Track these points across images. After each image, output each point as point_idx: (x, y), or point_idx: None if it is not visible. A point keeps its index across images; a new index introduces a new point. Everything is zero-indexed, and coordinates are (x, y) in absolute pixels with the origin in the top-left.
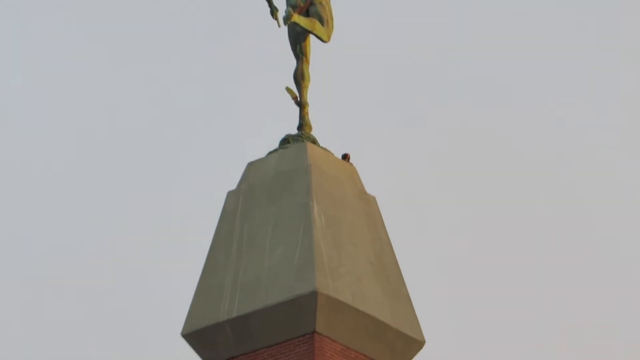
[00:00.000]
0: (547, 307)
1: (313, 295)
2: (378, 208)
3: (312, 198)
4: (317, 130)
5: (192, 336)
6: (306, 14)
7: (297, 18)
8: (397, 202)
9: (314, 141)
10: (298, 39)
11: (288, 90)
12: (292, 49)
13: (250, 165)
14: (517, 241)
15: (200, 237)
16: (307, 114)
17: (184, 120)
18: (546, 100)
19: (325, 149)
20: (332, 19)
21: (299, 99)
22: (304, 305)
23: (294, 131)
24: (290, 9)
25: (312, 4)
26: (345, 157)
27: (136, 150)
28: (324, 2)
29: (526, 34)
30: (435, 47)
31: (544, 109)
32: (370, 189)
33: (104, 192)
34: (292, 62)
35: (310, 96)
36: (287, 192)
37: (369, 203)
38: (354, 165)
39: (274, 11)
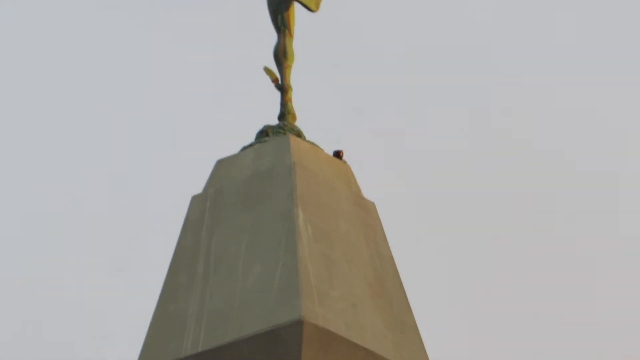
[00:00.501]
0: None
1: (298, 325)
2: (378, 216)
3: (297, 204)
4: (302, 121)
5: None
6: None
7: None
8: (401, 208)
9: (299, 134)
10: (279, 8)
11: (266, 70)
12: (272, 20)
13: (220, 163)
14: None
15: (154, 253)
16: (290, 100)
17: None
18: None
19: (312, 144)
20: None
21: (280, 81)
22: (287, 338)
23: (274, 121)
24: None
25: None
26: (338, 153)
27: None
28: None
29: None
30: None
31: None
32: (368, 193)
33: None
34: (272, 37)
35: (295, 78)
36: (265, 197)
37: (367, 210)
38: (349, 163)
39: None
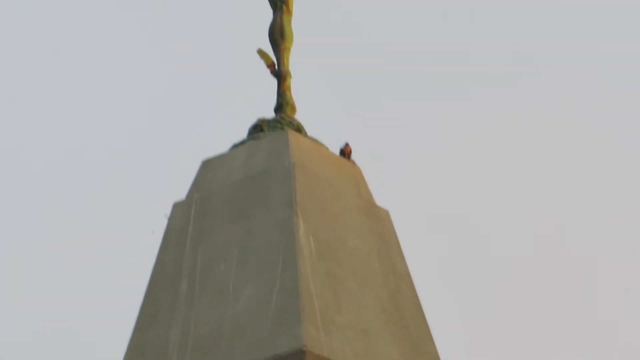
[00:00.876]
0: None
1: (299, 355)
2: (393, 228)
3: (297, 213)
4: (303, 113)
5: None
6: None
7: None
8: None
9: (299, 129)
10: None
11: (261, 53)
12: None
13: (206, 164)
14: None
15: (133, 271)
16: (289, 88)
17: None
18: None
19: (315, 141)
20: None
21: (276, 66)
22: None
23: (270, 114)
24: None
25: None
26: (346, 151)
27: None
28: None
29: None
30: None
31: None
32: (382, 200)
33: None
34: (268, 14)
35: (294, 63)
36: (259, 204)
37: (380, 220)
38: (358, 164)
39: None
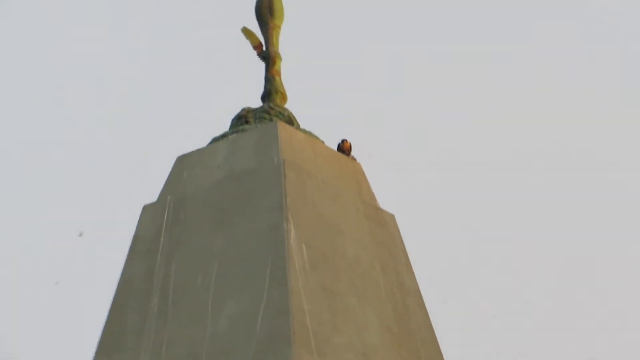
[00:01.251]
0: None
1: None
2: (400, 235)
3: (287, 218)
4: (295, 102)
5: None
6: None
7: None
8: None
9: (291, 120)
10: None
11: (246, 33)
12: None
13: (181, 160)
14: None
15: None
16: (279, 73)
17: None
18: None
19: (309, 134)
20: None
21: (264, 47)
22: None
23: (256, 103)
24: None
25: None
26: (344, 146)
27: None
28: None
29: None
30: None
31: None
32: (386, 202)
33: None
34: None
35: (284, 44)
36: (244, 207)
37: (384, 226)
38: (359, 161)
39: None
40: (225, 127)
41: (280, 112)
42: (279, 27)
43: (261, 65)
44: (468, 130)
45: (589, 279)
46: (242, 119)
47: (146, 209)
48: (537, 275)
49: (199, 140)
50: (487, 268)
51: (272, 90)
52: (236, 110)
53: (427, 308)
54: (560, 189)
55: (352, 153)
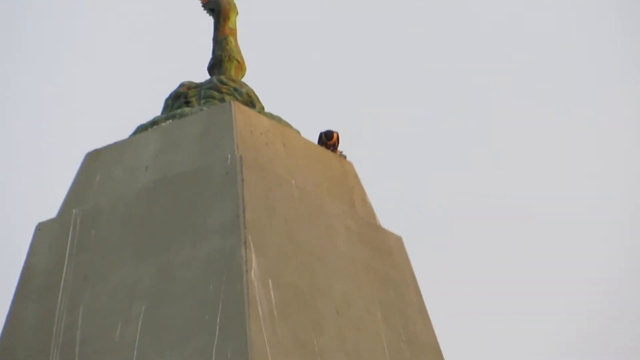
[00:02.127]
0: None
1: None
2: (410, 265)
3: (247, 241)
4: (257, 75)
5: None
6: None
7: None
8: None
9: (251, 99)
10: None
11: None
12: None
13: (94, 158)
14: None
15: None
16: (234, 33)
17: None
18: None
19: (278, 120)
20: None
21: None
22: None
23: (202, 75)
24: None
25: None
26: (330, 141)
27: None
28: None
29: None
30: None
31: None
32: (388, 222)
33: None
34: None
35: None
36: (183, 226)
37: (386, 253)
38: (351, 160)
39: None
40: (156, 109)
41: (235, 89)
42: None
43: (210, 22)
44: None
45: None
46: (180, 99)
47: (42, 228)
48: None
49: (117, 128)
50: None
51: (223, 57)
52: (172, 86)
53: None
54: None
55: (341, 149)
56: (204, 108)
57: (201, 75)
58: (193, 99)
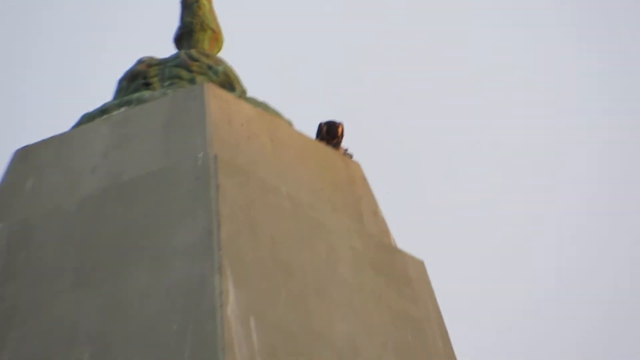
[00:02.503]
0: None
1: None
2: (435, 299)
3: (222, 267)
4: (238, 49)
5: None
6: None
7: None
8: None
9: (229, 81)
10: None
11: None
12: None
13: (24, 156)
14: None
15: None
16: None
17: None
18: None
19: (264, 107)
20: None
21: None
22: None
23: (167, 49)
24: None
25: None
26: (331, 133)
27: None
28: None
29: None
30: None
31: None
32: (402, 241)
33: None
34: None
35: None
36: (140, 245)
37: (405, 284)
38: (358, 160)
39: None
40: (106, 94)
41: (210, 67)
42: None
43: None
44: None
45: None
46: (137, 80)
47: None
48: None
49: (54, 120)
50: None
51: (194, 25)
52: (126, 64)
53: None
54: None
55: (346, 145)
56: (169, 92)
57: (166, 49)
58: (154, 80)
